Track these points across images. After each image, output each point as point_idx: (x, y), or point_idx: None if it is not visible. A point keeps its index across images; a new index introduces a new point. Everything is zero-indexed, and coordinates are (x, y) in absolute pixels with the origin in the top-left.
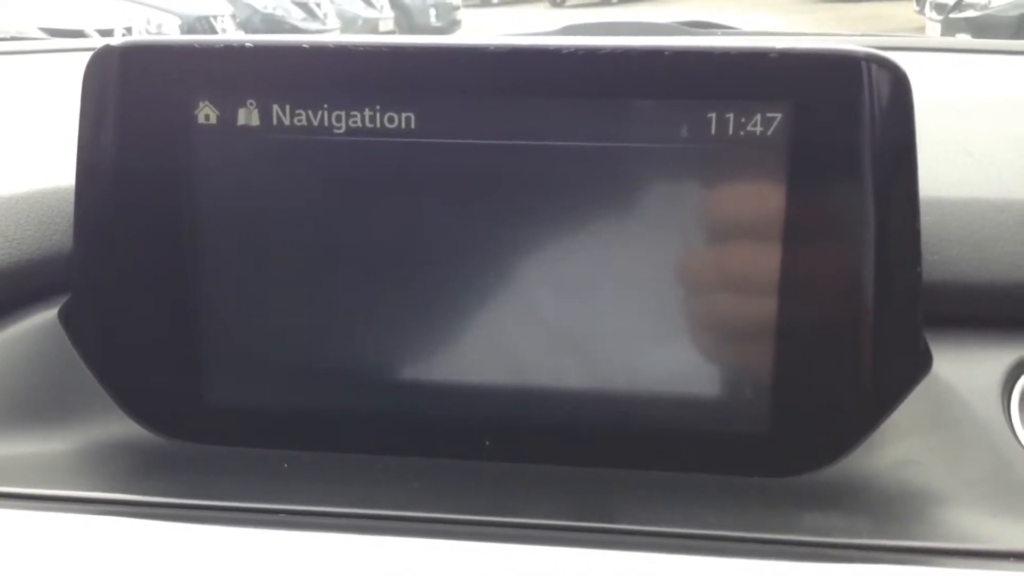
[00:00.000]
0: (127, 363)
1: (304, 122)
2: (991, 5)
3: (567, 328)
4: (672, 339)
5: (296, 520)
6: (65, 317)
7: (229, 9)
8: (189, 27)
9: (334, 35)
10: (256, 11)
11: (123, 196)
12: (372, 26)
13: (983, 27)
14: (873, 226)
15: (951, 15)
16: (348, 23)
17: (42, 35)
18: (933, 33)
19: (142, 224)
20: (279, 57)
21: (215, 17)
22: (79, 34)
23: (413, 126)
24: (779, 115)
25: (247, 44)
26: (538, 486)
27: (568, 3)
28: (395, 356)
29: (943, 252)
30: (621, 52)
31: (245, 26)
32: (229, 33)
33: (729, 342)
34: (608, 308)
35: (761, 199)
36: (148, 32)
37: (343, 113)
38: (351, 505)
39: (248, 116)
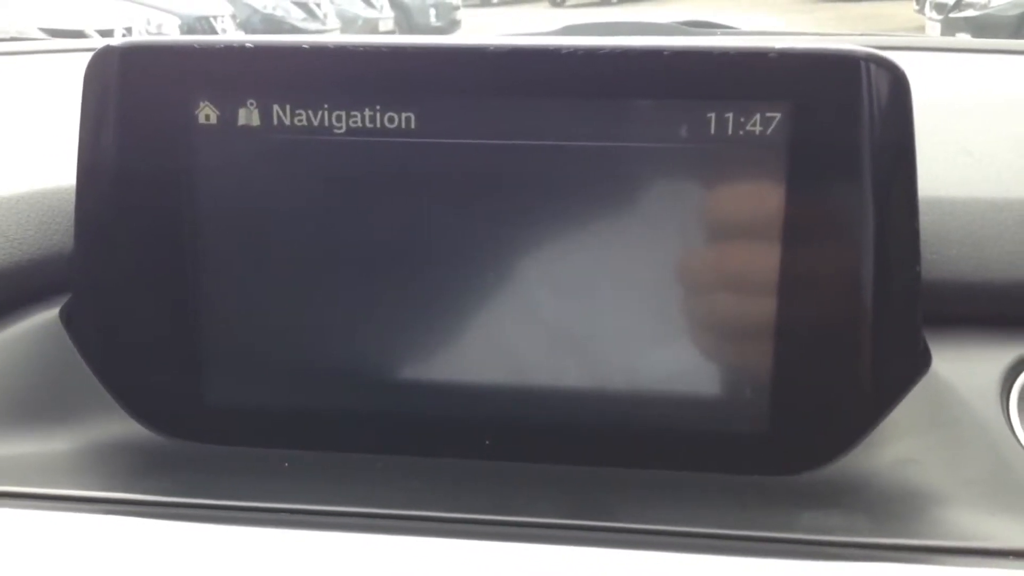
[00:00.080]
0: (128, 363)
1: (304, 122)
2: (991, 5)
3: (566, 327)
4: (671, 338)
5: (297, 519)
6: (66, 317)
7: (229, 9)
8: (189, 27)
9: (334, 35)
10: (256, 11)
11: (124, 196)
12: (372, 26)
13: (983, 26)
14: (872, 225)
15: (951, 15)
16: (348, 23)
17: (42, 35)
18: (933, 33)
19: (143, 224)
20: (279, 57)
21: (215, 17)
22: (79, 34)
23: (413, 126)
24: (778, 115)
25: (247, 44)
26: (538, 485)
27: (568, 3)
28: (395, 356)
29: (942, 251)
30: (621, 52)
31: (245, 26)
32: (229, 33)
33: (728, 341)
34: (608, 307)
35: (760, 199)
36: (148, 32)
37: (343, 113)
38: (351, 504)
39: (248, 116)
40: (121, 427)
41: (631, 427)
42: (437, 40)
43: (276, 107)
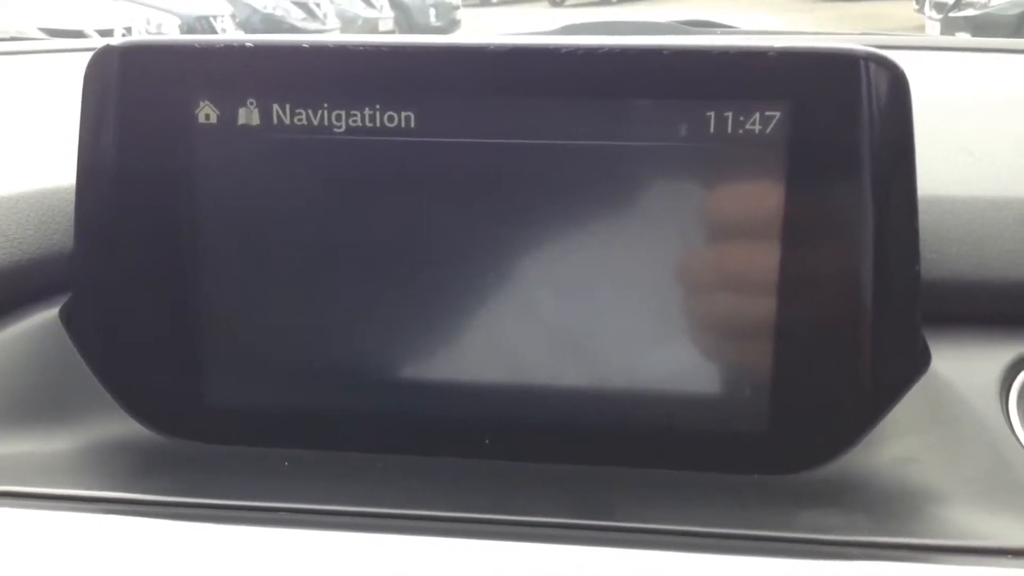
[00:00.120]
0: (128, 362)
1: (304, 121)
2: (990, 4)
3: (566, 327)
4: (671, 338)
5: (296, 518)
6: (66, 316)
7: (229, 9)
8: (189, 27)
9: (334, 35)
10: (256, 11)
11: (124, 196)
12: (372, 26)
13: (982, 26)
14: (872, 224)
15: (950, 14)
16: (348, 23)
17: (42, 35)
18: (933, 32)
19: (143, 223)
20: (279, 57)
21: (215, 17)
22: (79, 34)
23: (413, 125)
24: (778, 114)
25: (247, 44)
26: (537, 484)
27: (568, 2)
28: (395, 355)
29: (942, 250)
30: (620, 51)
31: (245, 26)
32: (229, 33)
33: (728, 340)
34: (607, 307)
35: (760, 198)
36: (148, 32)
37: (343, 112)
38: (351, 503)
39: (248, 115)
40: (121, 427)
41: (631, 427)
42: (437, 40)
43: (276, 106)
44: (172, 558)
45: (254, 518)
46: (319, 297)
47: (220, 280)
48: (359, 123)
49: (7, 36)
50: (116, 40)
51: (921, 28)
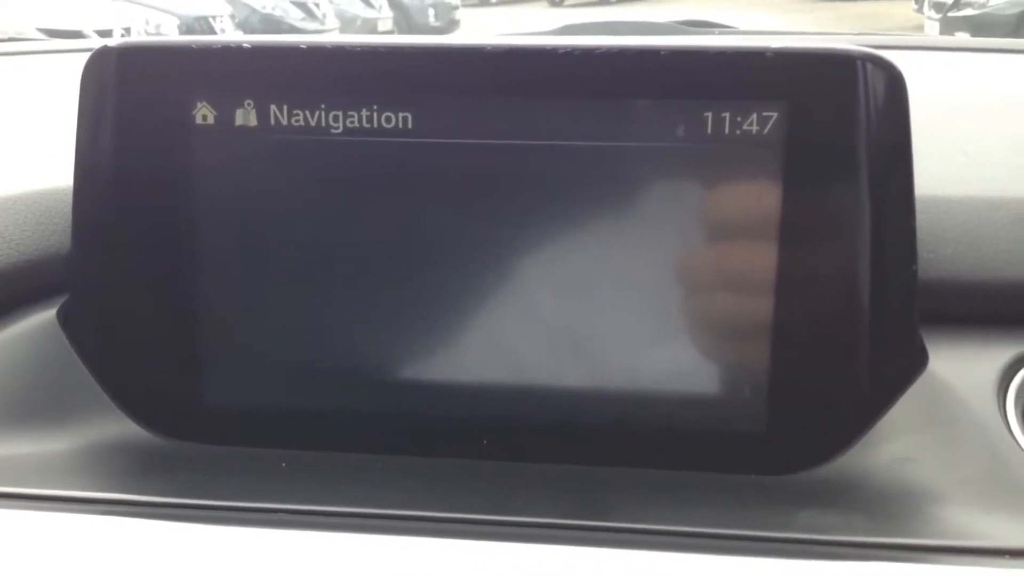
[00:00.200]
0: (125, 363)
1: (302, 122)
2: (989, 4)
3: (564, 327)
4: (669, 338)
5: (295, 519)
6: (63, 317)
7: (228, 9)
8: (187, 27)
9: (332, 35)
10: (255, 11)
11: (121, 196)
12: (371, 26)
13: (981, 25)
14: (869, 224)
15: (949, 13)
16: (347, 23)
17: (40, 36)
18: (932, 32)
19: (140, 224)
20: (277, 57)
21: (213, 17)
22: (77, 35)
23: (410, 126)
24: (775, 114)
25: (245, 44)
26: (536, 485)
27: (567, 2)
28: (393, 356)
29: (939, 250)
30: (618, 52)
31: (244, 26)
32: (227, 33)
33: (726, 340)
34: (604, 307)
35: (757, 198)
36: (147, 32)
37: (340, 113)
38: (349, 504)
39: (246, 116)
40: (119, 427)
41: (630, 427)
42: (434, 40)
43: (273, 107)
44: (170, 559)
45: (252, 519)
46: (317, 298)
47: (218, 281)
48: (357, 124)
49: (6, 37)
50: (113, 41)
51: (920, 28)
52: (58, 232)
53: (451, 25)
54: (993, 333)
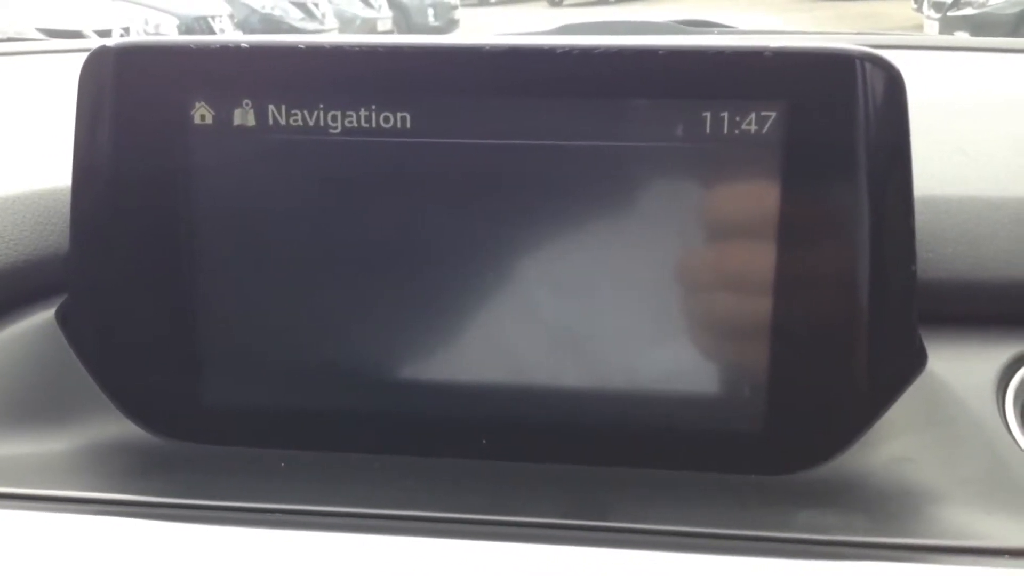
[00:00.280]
0: (124, 363)
1: (300, 122)
2: (989, 3)
3: (564, 327)
4: (669, 338)
5: (294, 520)
6: (62, 317)
7: (227, 9)
8: (187, 27)
9: (331, 35)
10: (254, 11)
11: (120, 196)
12: (370, 26)
13: (981, 25)
14: (868, 224)
15: (949, 13)
16: (346, 23)
17: (40, 36)
18: (931, 31)
19: (139, 224)
20: (275, 57)
21: (213, 17)
22: (77, 35)
23: (409, 126)
24: (774, 114)
25: (243, 44)
26: (536, 485)
27: (566, 2)
28: (393, 356)
29: (938, 250)
30: (616, 51)
31: (243, 26)
32: (227, 33)
33: (725, 340)
34: (604, 307)
35: (756, 198)
36: (146, 32)
37: (339, 113)
38: (348, 504)
39: (244, 116)
40: (117, 428)
41: (629, 426)
42: (433, 40)
43: (272, 107)
44: (168, 559)
45: (251, 519)
46: (316, 298)
47: (217, 281)
48: (355, 124)
49: (5, 36)
50: (112, 41)
51: (920, 27)
52: (57, 232)
53: (450, 25)
54: (992, 333)
